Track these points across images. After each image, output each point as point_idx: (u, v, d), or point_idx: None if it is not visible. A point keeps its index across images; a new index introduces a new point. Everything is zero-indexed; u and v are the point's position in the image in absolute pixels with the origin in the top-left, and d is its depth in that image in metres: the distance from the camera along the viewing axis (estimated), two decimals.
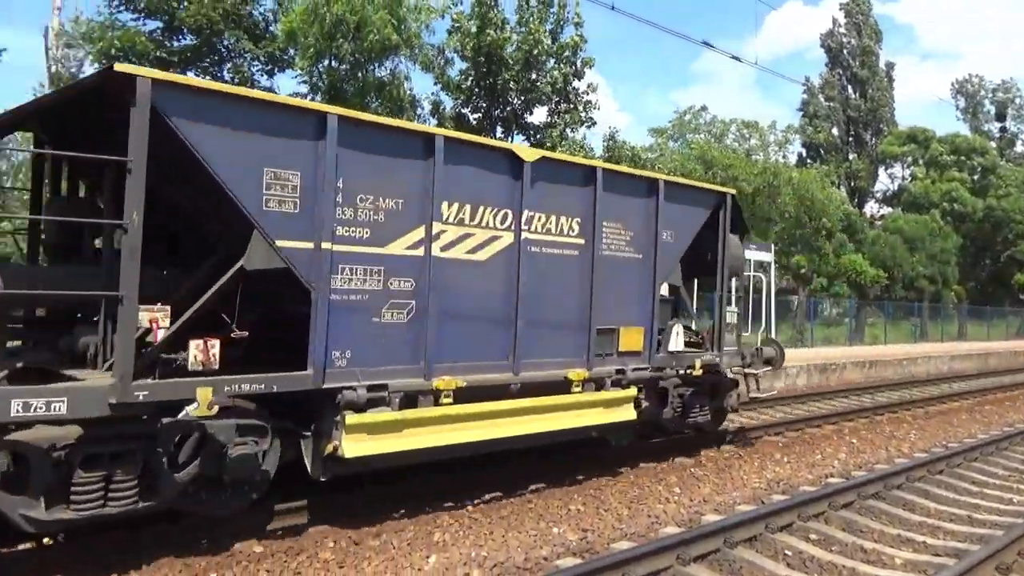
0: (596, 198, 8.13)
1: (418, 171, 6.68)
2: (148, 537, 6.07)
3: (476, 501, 7.56)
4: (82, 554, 5.71)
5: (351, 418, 6.21)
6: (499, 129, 24.83)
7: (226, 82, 20.80)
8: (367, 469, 6.66)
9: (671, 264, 9.13)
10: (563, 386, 7.89)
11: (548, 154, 7.86)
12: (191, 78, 7.97)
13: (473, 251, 7.14)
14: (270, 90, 22.15)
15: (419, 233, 6.71)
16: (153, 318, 5.25)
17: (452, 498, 7.52)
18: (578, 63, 24.46)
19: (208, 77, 20.88)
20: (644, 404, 9.10)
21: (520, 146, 7.59)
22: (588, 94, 25.15)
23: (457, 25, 23.57)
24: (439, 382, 6.81)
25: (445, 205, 6.89)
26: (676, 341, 9.24)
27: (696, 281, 10.72)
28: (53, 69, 21.24)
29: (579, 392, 8.00)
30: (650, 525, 7.14)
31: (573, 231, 8.00)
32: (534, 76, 24.01)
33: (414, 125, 7.34)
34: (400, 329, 6.62)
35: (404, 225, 6.62)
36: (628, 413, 8.50)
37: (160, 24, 21.43)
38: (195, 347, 5.51)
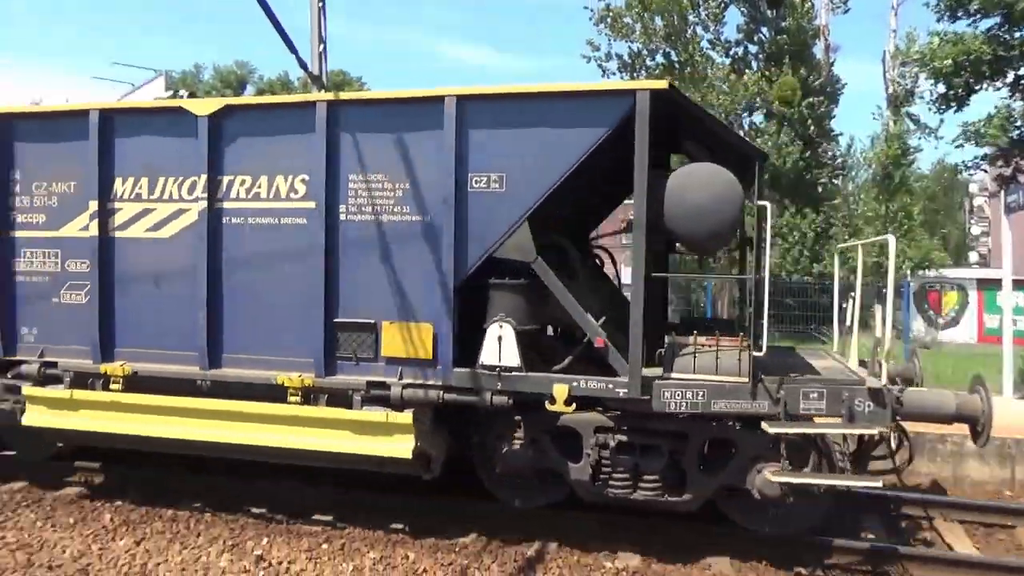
0: (328, 143, 5.94)
1: (82, 151, 6.54)
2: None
3: None
4: None
5: (27, 390, 6.74)
6: None
7: None
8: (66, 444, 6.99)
9: (499, 226, 5.67)
10: (280, 393, 6.15)
11: (234, 101, 6.22)
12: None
13: (155, 228, 6.45)
14: None
15: (90, 213, 6.58)
16: None
17: None
18: None
19: None
20: (510, 447, 5.99)
21: (191, 100, 6.27)
22: None
23: None
24: (108, 367, 6.52)
25: (119, 181, 6.51)
26: (495, 350, 5.66)
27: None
28: (890, 90, 22.81)
29: (297, 403, 6.06)
30: None
31: (296, 192, 6.09)
32: None
33: (70, 105, 6.85)
34: (78, 310, 6.66)
35: (76, 207, 6.63)
36: (397, 447, 5.87)
37: (996, 20, 17.95)
38: None
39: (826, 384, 5.46)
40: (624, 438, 5.75)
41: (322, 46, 11.30)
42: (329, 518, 6.60)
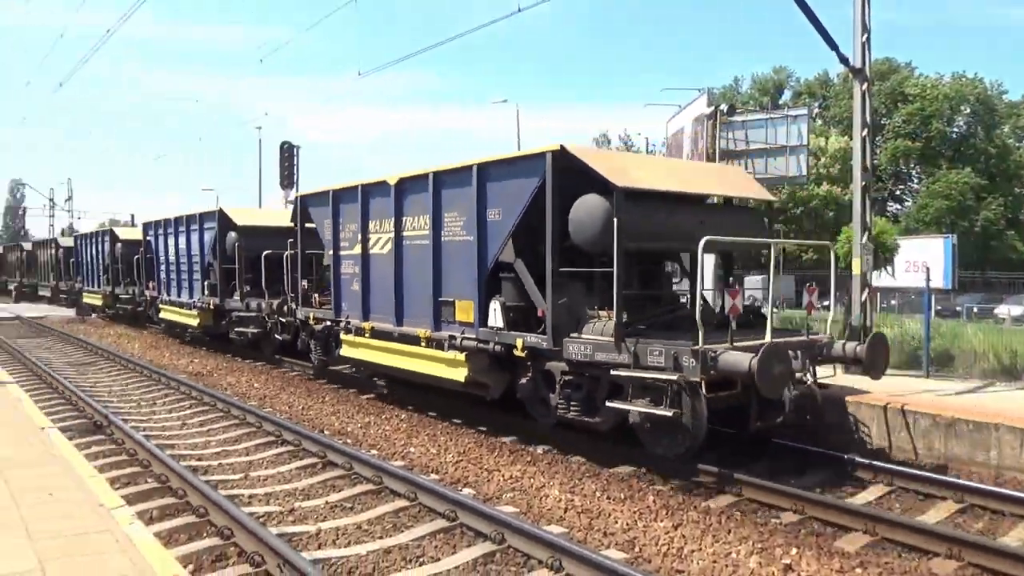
0: (433, 195, 10.34)
1: (356, 207, 12.12)
2: None
3: None
4: None
5: (342, 336, 12.65)
6: None
7: None
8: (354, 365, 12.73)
9: (500, 241, 9.28)
10: (418, 341, 10.70)
11: (405, 174, 10.87)
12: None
13: (381, 248, 11.67)
14: None
15: (360, 241, 12.12)
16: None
17: None
18: None
19: None
20: (521, 381, 9.52)
21: (389, 175, 11.12)
22: None
23: None
24: (365, 324, 11.95)
25: (370, 223, 11.92)
26: (494, 317, 9.18)
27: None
28: None
29: (424, 347, 10.52)
30: None
31: (426, 225, 10.59)
32: None
33: (354, 181, 11.95)
34: (357, 294, 12.28)
35: (356, 237, 12.26)
36: (458, 375, 9.92)
37: None
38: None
39: (664, 344, 7.68)
40: (569, 378, 8.74)
41: (865, 36, 11.10)
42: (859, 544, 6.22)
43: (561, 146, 8.42)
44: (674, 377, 7.45)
